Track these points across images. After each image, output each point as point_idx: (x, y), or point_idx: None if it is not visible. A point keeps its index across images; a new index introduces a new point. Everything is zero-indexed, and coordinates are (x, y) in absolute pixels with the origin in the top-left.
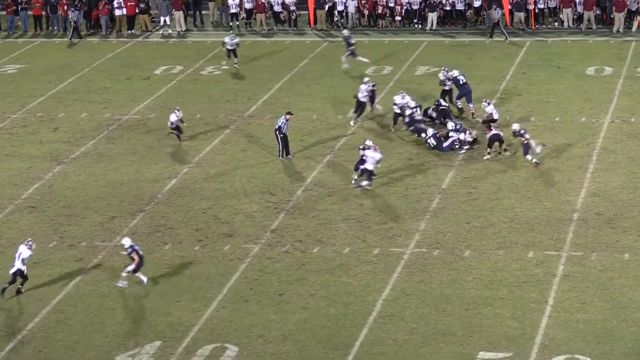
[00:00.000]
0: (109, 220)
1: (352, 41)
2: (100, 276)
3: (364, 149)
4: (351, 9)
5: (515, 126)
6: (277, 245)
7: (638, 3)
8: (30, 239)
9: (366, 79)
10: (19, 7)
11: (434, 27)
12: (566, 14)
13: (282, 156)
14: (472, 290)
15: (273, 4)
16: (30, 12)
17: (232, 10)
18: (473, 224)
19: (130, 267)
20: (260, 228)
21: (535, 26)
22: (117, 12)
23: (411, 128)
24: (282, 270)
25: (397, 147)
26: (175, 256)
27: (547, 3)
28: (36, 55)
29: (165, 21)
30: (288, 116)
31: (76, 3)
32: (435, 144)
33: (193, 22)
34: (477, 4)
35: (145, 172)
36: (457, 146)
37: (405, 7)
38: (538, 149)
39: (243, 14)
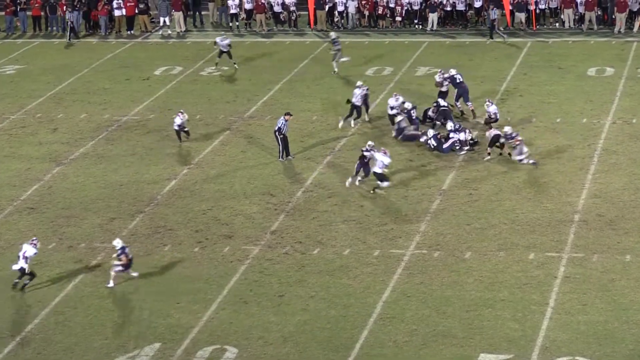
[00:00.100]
0: (108, 221)
1: (339, 45)
2: (100, 278)
3: (371, 150)
4: (351, 9)
5: (507, 129)
6: (277, 246)
7: (639, 3)
8: (35, 237)
9: (359, 82)
10: (18, 7)
11: (434, 28)
12: (567, 15)
13: (282, 157)
14: (473, 292)
15: (273, 4)
16: (29, 13)
17: (232, 11)
18: (474, 225)
19: (118, 268)
20: (260, 229)
21: (536, 27)
22: (117, 13)
23: (400, 137)
24: (282, 271)
25: (397, 149)
26: (174, 257)
27: (548, 3)
28: (35, 56)
29: (164, 22)
30: (287, 117)
31: (75, 3)
32: (435, 145)
33: (193, 23)
34: (477, 4)
35: (145, 173)
36: (457, 147)
37: (405, 8)
38: (524, 155)
39: (243, 15)
